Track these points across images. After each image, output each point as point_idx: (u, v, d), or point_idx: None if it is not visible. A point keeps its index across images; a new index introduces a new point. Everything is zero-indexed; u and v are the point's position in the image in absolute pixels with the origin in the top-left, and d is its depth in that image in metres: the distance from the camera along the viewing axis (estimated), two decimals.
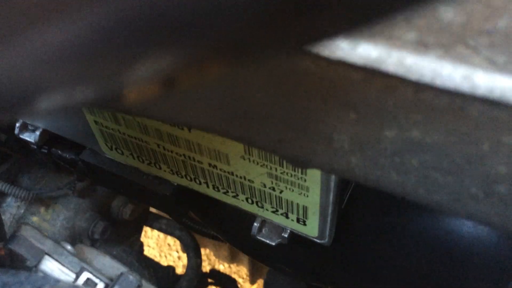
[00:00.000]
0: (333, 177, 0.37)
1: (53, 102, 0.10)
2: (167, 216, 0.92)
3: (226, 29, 0.11)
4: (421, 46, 0.21)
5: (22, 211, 0.75)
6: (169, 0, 0.10)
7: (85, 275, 0.49)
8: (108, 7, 0.09)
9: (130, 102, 0.27)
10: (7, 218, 0.74)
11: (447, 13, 0.20)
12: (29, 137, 0.56)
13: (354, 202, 0.48)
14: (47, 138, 0.56)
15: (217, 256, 1.41)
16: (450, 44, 0.20)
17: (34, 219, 0.75)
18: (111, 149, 0.50)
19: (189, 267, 0.92)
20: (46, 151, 0.57)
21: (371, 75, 0.22)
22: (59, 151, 0.57)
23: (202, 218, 0.64)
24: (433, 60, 0.20)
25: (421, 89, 0.22)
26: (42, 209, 0.76)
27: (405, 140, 0.25)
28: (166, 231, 0.93)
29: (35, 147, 0.57)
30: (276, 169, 0.39)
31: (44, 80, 0.10)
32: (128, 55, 0.11)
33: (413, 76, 0.21)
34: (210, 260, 1.51)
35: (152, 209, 0.93)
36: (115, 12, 0.10)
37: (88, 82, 0.10)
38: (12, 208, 0.75)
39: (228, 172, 0.43)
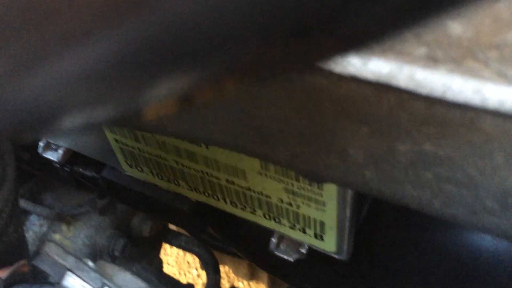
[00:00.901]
0: (349, 191, 0.37)
1: (75, 122, 0.11)
2: (186, 233, 0.93)
3: (241, 50, 0.12)
4: (431, 60, 0.21)
5: (45, 229, 0.76)
6: (187, 24, 0.10)
7: None
8: (129, 31, 0.10)
9: (149, 120, 0.28)
10: (30, 236, 0.75)
11: (456, 28, 0.21)
12: (52, 156, 0.57)
13: (373, 216, 0.48)
14: (69, 156, 0.58)
15: (236, 273, 1.41)
16: (459, 58, 0.21)
17: (57, 236, 0.76)
18: (131, 167, 0.51)
19: (208, 285, 0.92)
20: (68, 169, 0.59)
21: (383, 90, 0.23)
22: (81, 169, 0.58)
23: (220, 234, 0.65)
24: (444, 74, 0.21)
25: (432, 103, 0.22)
26: (64, 227, 0.77)
27: (418, 153, 0.25)
28: (185, 248, 0.93)
29: (58, 165, 0.58)
30: (292, 184, 0.39)
31: (68, 101, 0.10)
32: (148, 76, 0.11)
33: (424, 90, 0.21)
34: (229, 277, 1.50)
35: (171, 226, 0.94)
36: (137, 35, 0.10)
37: (109, 102, 0.11)
38: (35, 226, 0.76)
39: (245, 188, 0.43)
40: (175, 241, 0.93)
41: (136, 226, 0.82)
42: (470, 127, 0.22)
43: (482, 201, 0.25)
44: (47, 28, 0.09)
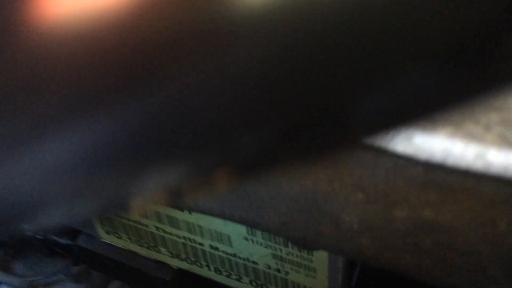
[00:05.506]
0: (340, 257, 0.35)
1: (54, 217, 0.09)
2: None
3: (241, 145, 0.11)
4: (430, 123, 0.20)
5: None
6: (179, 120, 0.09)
7: None
8: (116, 124, 0.09)
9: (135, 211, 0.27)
10: None
11: None
12: None
13: (364, 279, 0.46)
14: None
15: None
16: (459, 121, 0.20)
17: None
18: (108, 233, 0.48)
19: None
20: (41, 237, 0.56)
21: (379, 154, 0.22)
22: (55, 237, 0.55)
23: None
24: (443, 138, 0.20)
25: (431, 168, 0.21)
26: None
27: (417, 220, 0.24)
28: None
29: (30, 233, 0.55)
30: (281, 250, 0.37)
31: (48, 194, 0.09)
32: (138, 167, 0.10)
33: (423, 155, 0.20)
34: None
35: None
36: (125, 129, 0.09)
37: (92, 195, 0.09)
38: None
39: (231, 254, 0.41)
40: None
41: None
42: (472, 193, 0.21)
43: (485, 269, 0.24)
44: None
